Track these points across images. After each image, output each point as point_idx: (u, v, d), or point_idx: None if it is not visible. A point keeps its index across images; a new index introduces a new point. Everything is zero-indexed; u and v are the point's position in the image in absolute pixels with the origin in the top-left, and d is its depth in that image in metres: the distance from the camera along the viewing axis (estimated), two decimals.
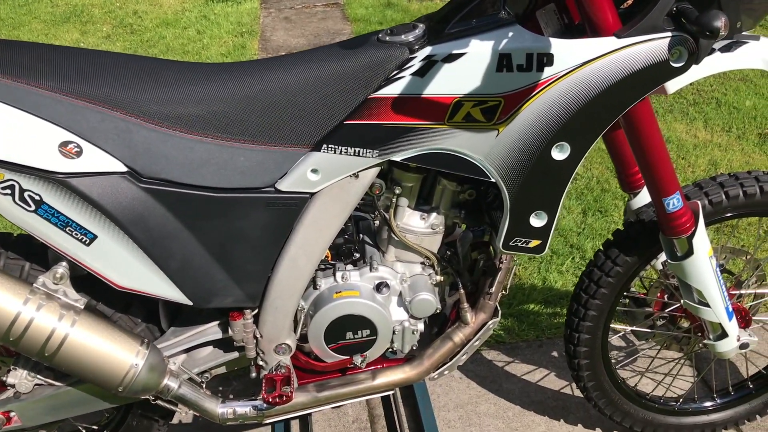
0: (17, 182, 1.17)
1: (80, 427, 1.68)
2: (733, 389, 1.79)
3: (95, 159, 1.18)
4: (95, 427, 1.67)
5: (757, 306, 1.67)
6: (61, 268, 1.27)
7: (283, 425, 1.81)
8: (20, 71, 1.17)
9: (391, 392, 1.51)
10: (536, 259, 2.45)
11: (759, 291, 1.67)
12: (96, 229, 1.21)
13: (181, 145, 1.21)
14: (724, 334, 1.51)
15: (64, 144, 1.16)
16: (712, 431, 1.77)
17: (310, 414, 1.85)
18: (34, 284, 1.27)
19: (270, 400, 1.36)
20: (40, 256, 1.36)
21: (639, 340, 1.82)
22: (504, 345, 2.11)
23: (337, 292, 1.39)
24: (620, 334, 1.75)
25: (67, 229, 1.21)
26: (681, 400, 1.77)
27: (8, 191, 1.18)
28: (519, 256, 2.41)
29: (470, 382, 1.99)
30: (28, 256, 1.36)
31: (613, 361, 1.67)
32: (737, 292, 1.64)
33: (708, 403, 1.77)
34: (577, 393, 1.94)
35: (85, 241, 1.22)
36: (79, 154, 1.17)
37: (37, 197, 1.18)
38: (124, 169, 1.20)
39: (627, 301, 1.69)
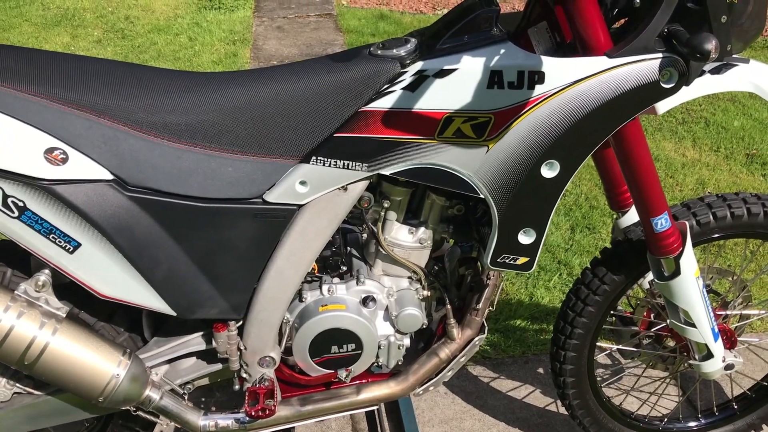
0: (1, 188, 1.15)
1: None
2: (717, 410, 1.79)
3: (81, 166, 1.17)
4: None
5: (742, 327, 1.67)
6: (44, 276, 1.26)
7: None
8: (7, 76, 1.16)
9: (375, 407, 1.50)
10: (524, 275, 2.45)
11: (744, 312, 1.67)
12: (80, 237, 1.20)
13: (169, 154, 1.20)
14: (709, 355, 1.51)
15: (50, 150, 1.15)
16: None
17: (292, 427, 1.83)
18: (16, 291, 1.25)
19: (253, 413, 1.35)
20: (23, 263, 1.35)
21: (625, 359, 1.82)
22: (490, 360, 2.11)
23: (323, 305, 1.38)
24: (606, 352, 1.75)
25: (50, 237, 1.20)
26: (666, 419, 1.77)
27: None
28: (506, 273, 2.41)
29: (455, 397, 1.98)
30: (10, 262, 1.34)
31: (598, 379, 1.67)
32: (723, 312, 1.64)
33: (692, 423, 1.77)
34: (562, 410, 1.93)
35: (69, 248, 1.21)
36: (64, 161, 1.16)
37: (20, 203, 1.16)
38: (110, 177, 1.19)
39: (613, 319, 1.69)
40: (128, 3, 5.46)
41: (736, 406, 1.77)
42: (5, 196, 1.16)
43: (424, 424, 1.89)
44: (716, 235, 1.49)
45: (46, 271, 1.26)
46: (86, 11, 5.30)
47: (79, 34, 4.82)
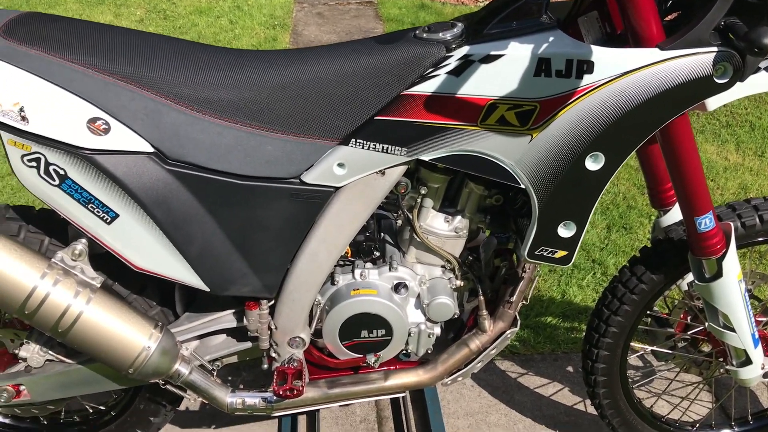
0: (43, 155, 1.16)
1: (87, 406, 1.67)
2: (752, 418, 1.74)
3: (122, 137, 1.17)
4: (102, 408, 1.67)
5: None
6: (80, 245, 1.27)
7: (290, 420, 1.80)
8: (53, 45, 1.17)
9: (401, 395, 1.49)
10: (556, 272, 2.42)
11: None
12: (118, 208, 1.21)
13: (210, 130, 1.20)
14: (748, 361, 1.47)
15: (93, 120, 1.16)
16: None
17: (317, 410, 1.83)
18: (53, 259, 1.26)
19: (280, 392, 1.34)
20: (60, 231, 1.36)
21: (658, 361, 1.79)
22: (518, 356, 2.08)
23: (354, 290, 1.37)
24: (639, 353, 1.71)
25: (89, 206, 1.20)
26: (697, 425, 1.73)
27: (34, 164, 1.17)
28: (541, 267, 2.38)
29: (482, 390, 1.96)
30: (48, 231, 1.36)
31: (629, 380, 1.63)
32: (764, 319, 1.60)
33: (725, 431, 1.73)
34: (591, 410, 1.90)
35: (107, 219, 1.22)
36: (106, 131, 1.16)
37: (61, 172, 1.17)
38: (151, 149, 1.19)
39: (649, 320, 1.65)
40: None
41: None
42: (47, 164, 1.17)
43: (449, 416, 1.87)
44: (761, 239, 1.45)
45: (83, 240, 1.27)
46: None
47: (122, 13, 4.87)
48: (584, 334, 1.60)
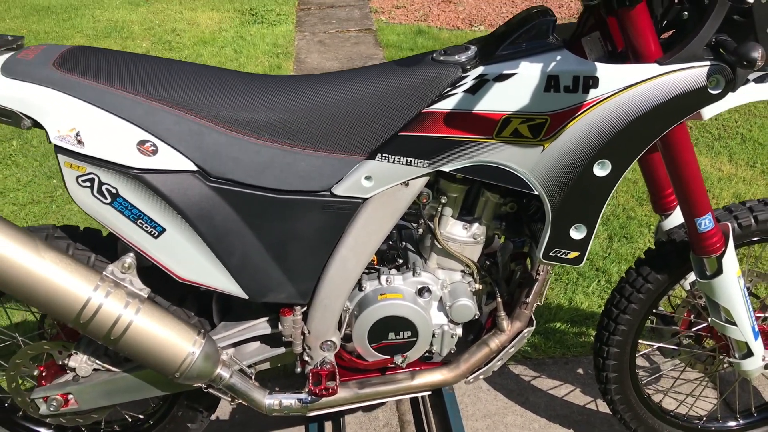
0: (97, 176, 1.27)
1: (126, 416, 1.76)
2: (756, 411, 1.83)
3: (169, 157, 1.28)
4: (141, 416, 1.75)
5: None
6: (129, 259, 1.37)
7: (317, 427, 1.88)
8: (103, 75, 1.28)
9: (428, 392, 1.58)
10: (563, 281, 2.52)
11: None
12: (165, 223, 1.31)
13: (248, 149, 1.30)
14: (749, 353, 1.57)
15: (142, 142, 1.26)
16: None
17: (342, 416, 1.92)
18: (104, 272, 1.36)
19: (316, 392, 1.44)
20: (104, 249, 1.46)
21: (665, 358, 1.88)
22: (531, 360, 2.18)
23: (381, 294, 1.47)
24: (647, 351, 1.81)
25: (138, 222, 1.31)
26: (704, 418, 1.82)
27: (88, 184, 1.28)
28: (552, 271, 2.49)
29: (497, 394, 2.05)
30: (93, 248, 1.45)
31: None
32: (763, 315, 1.70)
33: (731, 423, 1.82)
34: (602, 409, 1.99)
35: (154, 233, 1.32)
36: (154, 152, 1.27)
37: (113, 190, 1.28)
38: (195, 168, 1.29)
39: (655, 319, 1.75)
40: (174, 17, 5.65)
41: None
42: (100, 184, 1.27)
43: (468, 418, 1.96)
44: (756, 238, 1.55)
45: (131, 254, 1.37)
46: (134, 24, 5.50)
47: (128, 46, 5.01)
48: (594, 333, 1.70)
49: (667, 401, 1.93)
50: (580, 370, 2.13)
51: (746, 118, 3.78)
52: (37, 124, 1.25)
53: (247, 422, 1.96)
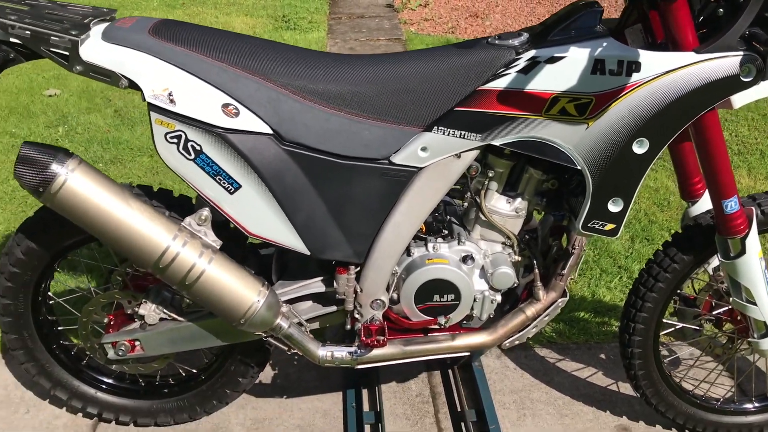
0: (184, 132, 1.41)
1: (181, 370, 1.89)
2: None
3: (249, 120, 1.42)
4: (194, 371, 1.88)
5: None
6: (206, 212, 1.50)
7: (354, 393, 2.00)
8: (192, 43, 1.42)
9: (467, 354, 1.70)
10: (587, 276, 2.63)
11: None
12: (241, 180, 1.44)
13: (319, 117, 1.44)
14: (767, 333, 1.68)
15: (226, 105, 1.40)
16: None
17: (378, 385, 2.04)
18: (182, 223, 1.50)
19: (368, 342, 1.56)
20: (176, 207, 1.59)
21: (686, 339, 1.99)
22: (555, 345, 2.29)
23: (428, 259, 1.59)
24: (671, 329, 1.92)
25: (217, 178, 1.44)
26: (722, 399, 1.93)
27: (175, 140, 1.42)
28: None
29: (524, 372, 2.16)
30: (167, 206, 1.59)
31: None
32: None
33: (747, 405, 1.93)
34: (624, 390, 2.10)
35: (231, 189, 1.45)
36: (236, 114, 1.41)
37: (198, 147, 1.42)
38: (271, 131, 1.43)
39: (678, 300, 1.87)
40: (210, 20, 5.84)
41: None
42: (186, 140, 1.41)
43: (496, 393, 2.07)
44: None
45: (207, 208, 1.51)
46: None
47: None
48: (619, 319, 1.81)
49: (685, 384, 2.04)
50: (603, 356, 2.25)
51: (766, 135, 3.90)
52: (133, 85, 1.40)
53: (288, 387, 2.08)
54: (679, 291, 1.81)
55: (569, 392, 2.10)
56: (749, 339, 1.73)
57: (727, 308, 1.81)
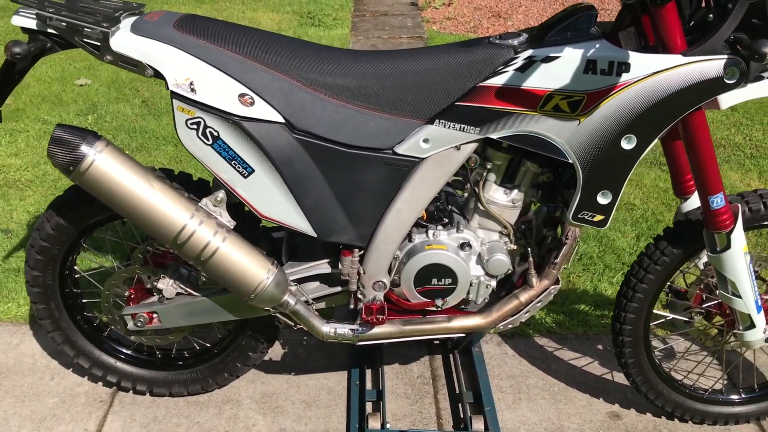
0: (203, 119, 1.52)
1: (195, 344, 2.01)
2: (758, 387, 2.01)
3: (263, 110, 1.53)
4: (208, 345, 2.00)
5: None
6: (221, 194, 1.62)
7: (359, 372, 2.11)
8: (214, 38, 1.54)
9: (462, 335, 1.79)
10: (590, 271, 2.71)
11: None
12: (255, 165, 1.56)
13: (328, 108, 1.55)
14: (752, 325, 1.76)
15: (242, 95, 1.52)
16: (735, 422, 2.00)
17: (381, 366, 2.15)
18: (199, 203, 1.61)
19: (369, 320, 1.67)
20: (195, 189, 1.71)
21: (676, 330, 2.07)
22: (554, 335, 2.38)
23: (428, 245, 1.70)
24: (661, 321, 1.99)
25: (232, 162, 1.56)
26: (710, 389, 2.01)
27: (195, 126, 1.53)
28: (572, 266, 2.69)
29: (522, 359, 2.26)
30: (187, 188, 1.71)
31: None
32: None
33: (734, 396, 2.00)
34: (617, 379, 2.18)
35: (244, 174, 1.57)
36: (252, 104, 1.52)
37: (215, 133, 1.53)
38: (283, 120, 1.54)
39: (670, 293, 1.95)
40: (237, 15, 5.98)
41: None
42: (205, 127, 1.53)
43: (494, 377, 2.17)
44: (765, 223, 1.74)
45: (223, 191, 1.62)
46: None
47: None
48: (614, 301, 1.90)
49: (675, 373, 2.12)
50: (600, 346, 2.33)
51: None
52: (158, 74, 1.51)
53: (296, 365, 2.19)
54: (670, 284, 1.89)
55: (565, 379, 2.18)
56: (735, 331, 1.80)
57: (716, 302, 1.88)
